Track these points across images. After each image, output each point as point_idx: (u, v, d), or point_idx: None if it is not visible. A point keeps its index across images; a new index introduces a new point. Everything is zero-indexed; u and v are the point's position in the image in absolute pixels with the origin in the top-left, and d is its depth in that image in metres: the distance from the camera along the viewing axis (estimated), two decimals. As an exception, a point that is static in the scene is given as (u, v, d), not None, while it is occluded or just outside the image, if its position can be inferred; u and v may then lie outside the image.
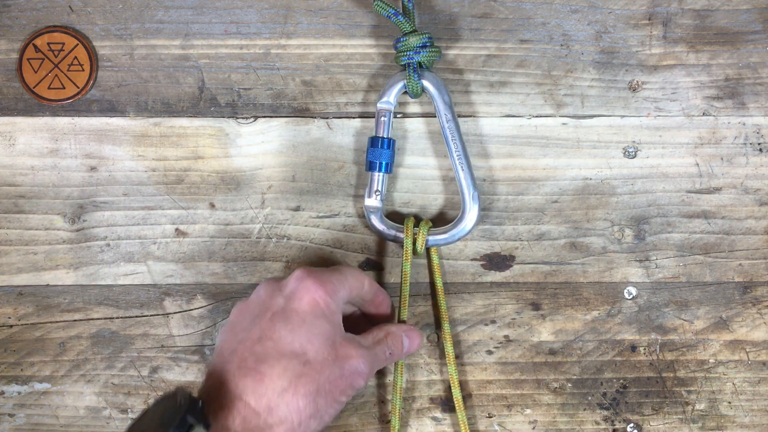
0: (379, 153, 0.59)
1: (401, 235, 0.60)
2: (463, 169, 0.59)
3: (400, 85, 0.59)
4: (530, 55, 0.61)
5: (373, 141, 0.59)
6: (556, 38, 0.61)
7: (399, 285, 0.60)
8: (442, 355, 0.62)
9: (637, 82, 0.61)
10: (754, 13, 0.61)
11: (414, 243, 0.59)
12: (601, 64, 0.61)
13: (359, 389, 0.53)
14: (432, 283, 0.61)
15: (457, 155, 0.59)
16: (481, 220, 0.61)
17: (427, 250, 0.61)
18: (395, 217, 0.62)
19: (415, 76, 0.58)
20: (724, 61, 0.61)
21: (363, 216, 0.62)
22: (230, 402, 0.49)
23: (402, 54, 0.58)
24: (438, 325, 0.61)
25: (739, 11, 0.61)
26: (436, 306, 0.61)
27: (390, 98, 0.59)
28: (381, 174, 0.59)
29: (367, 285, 0.57)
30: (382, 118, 0.59)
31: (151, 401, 0.62)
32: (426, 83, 0.59)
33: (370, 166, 0.59)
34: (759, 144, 0.61)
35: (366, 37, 0.61)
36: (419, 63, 0.58)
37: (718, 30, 0.61)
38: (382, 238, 0.61)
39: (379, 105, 0.59)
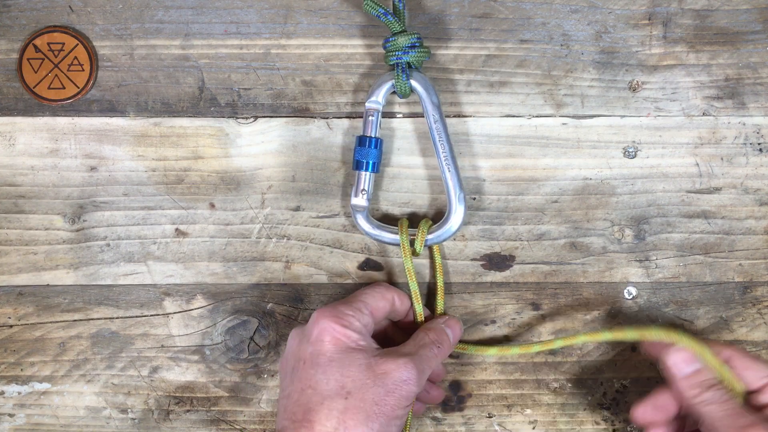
0: (367, 152, 0.59)
1: (388, 235, 0.60)
2: (449, 170, 0.59)
3: (388, 84, 0.59)
4: (530, 55, 0.61)
5: (361, 140, 0.59)
6: (556, 38, 0.61)
7: (407, 284, 0.60)
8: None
9: (637, 82, 0.61)
10: (754, 13, 0.61)
11: (412, 242, 0.59)
12: (601, 64, 0.61)
13: (412, 396, 0.53)
14: (432, 282, 0.61)
15: (444, 156, 0.59)
16: (468, 220, 0.61)
17: (429, 248, 0.61)
18: (389, 217, 0.62)
19: (404, 76, 0.58)
20: (724, 61, 0.61)
21: (363, 216, 0.62)
22: None
23: (391, 54, 0.58)
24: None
25: (739, 11, 0.61)
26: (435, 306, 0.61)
27: (378, 98, 0.59)
28: (368, 173, 0.59)
29: (398, 300, 0.58)
30: (370, 118, 0.59)
31: (151, 401, 0.62)
32: (414, 83, 0.59)
33: (357, 165, 0.59)
34: (759, 144, 0.61)
35: (366, 37, 0.61)
36: (408, 63, 0.58)
37: (718, 30, 0.61)
38: (373, 239, 0.61)
39: (367, 104, 0.59)
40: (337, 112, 0.62)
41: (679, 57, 0.61)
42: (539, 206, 0.62)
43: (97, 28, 0.61)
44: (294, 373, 0.54)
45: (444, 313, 0.60)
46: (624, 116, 0.61)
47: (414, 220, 0.61)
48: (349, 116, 0.62)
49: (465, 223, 0.61)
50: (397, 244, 0.60)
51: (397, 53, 0.58)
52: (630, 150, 0.61)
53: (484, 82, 0.61)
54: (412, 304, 0.59)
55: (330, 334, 0.53)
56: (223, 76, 0.61)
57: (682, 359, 0.54)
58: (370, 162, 0.59)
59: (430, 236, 0.59)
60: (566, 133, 0.61)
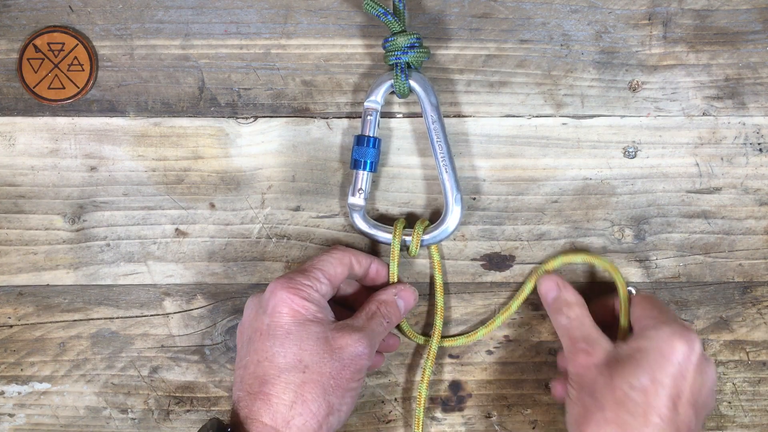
0: (365, 152, 0.59)
1: (383, 235, 0.60)
2: (447, 171, 0.59)
3: (387, 84, 0.59)
4: (530, 55, 0.61)
5: (359, 139, 0.59)
6: (556, 38, 0.61)
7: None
8: (442, 356, 0.62)
9: (637, 82, 0.61)
10: (754, 13, 0.61)
11: (403, 244, 0.60)
12: (601, 64, 0.61)
13: (365, 369, 0.54)
14: (431, 281, 0.61)
15: (442, 157, 0.59)
16: (468, 220, 0.61)
17: (428, 248, 0.61)
18: (387, 217, 0.62)
19: (403, 76, 0.58)
20: (724, 61, 0.61)
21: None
22: (251, 426, 0.51)
23: (390, 54, 0.58)
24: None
25: (739, 11, 0.61)
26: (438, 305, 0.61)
27: (377, 97, 0.59)
28: (365, 172, 0.59)
29: (356, 263, 0.58)
30: (369, 117, 0.59)
31: (151, 401, 0.62)
32: (413, 83, 0.59)
33: (355, 164, 0.59)
34: (759, 144, 0.61)
35: (366, 37, 0.61)
36: (407, 63, 0.58)
37: (718, 30, 0.61)
38: (367, 237, 0.61)
39: (365, 104, 0.59)
40: (337, 112, 0.62)
41: (679, 57, 0.61)
42: (539, 206, 0.62)
43: (97, 28, 0.61)
44: (250, 344, 0.54)
45: (398, 282, 0.60)
46: (624, 116, 0.61)
47: (411, 220, 0.61)
48: (349, 116, 0.62)
49: (462, 223, 0.61)
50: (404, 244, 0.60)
51: (396, 53, 0.58)
52: (630, 150, 0.61)
53: (484, 82, 0.61)
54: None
55: (287, 305, 0.53)
56: (223, 76, 0.61)
57: (549, 287, 0.59)
58: (368, 161, 0.59)
59: (426, 237, 0.60)
60: (566, 133, 0.61)
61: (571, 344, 0.56)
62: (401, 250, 0.60)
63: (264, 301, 0.54)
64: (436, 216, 0.62)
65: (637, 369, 0.52)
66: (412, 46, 0.58)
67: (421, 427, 0.60)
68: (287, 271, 0.60)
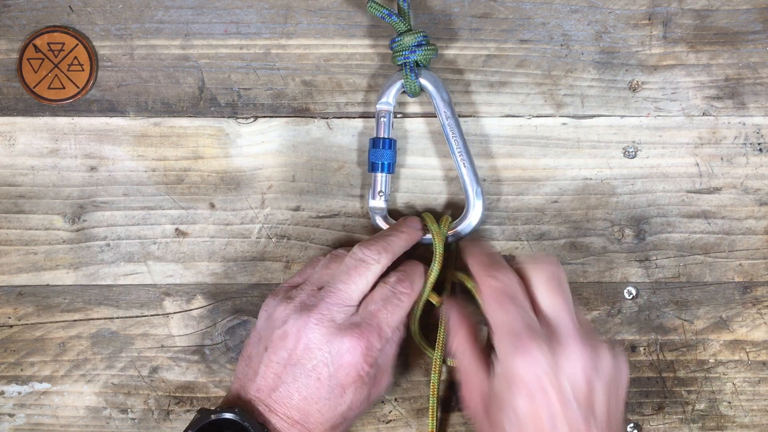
0: (381, 153, 0.59)
1: None
2: (465, 166, 0.59)
3: (398, 84, 0.59)
4: (530, 55, 0.61)
5: (374, 142, 0.59)
6: (556, 38, 0.61)
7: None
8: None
9: (637, 82, 0.61)
10: (754, 13, 0.61)
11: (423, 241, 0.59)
12: (601, 64, 0.61)
13: (372, 360, 0.54)
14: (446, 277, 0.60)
15: (459, 152, 0.59)
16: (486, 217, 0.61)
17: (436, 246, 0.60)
18: (396, 217, 0.62)
19: (412, 75, 0.58)
20: (724, 61, 0.61)
21: (363, 216, 0.62)
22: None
23: (398, 54, 0.58)
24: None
25: (739, 11, 0.61)
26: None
27: (389, 98, 0.59)
28: (384, 174, 0.59)
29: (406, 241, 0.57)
30: (382, 119, 0.59)
31: (151, 401, 0.62)
32: (424, 82, 0.59)
33: (373, 167, 0.59)
34: (759, 144, 0.61)
35: (366, 37, 0.61)
36: (416, 62, 0.58)
37: (718, 30, 0.61)
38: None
39: (378, 106, 0.59)
40: (337, 112, 0.62)
41: (679, 57, 0.61)
42: (539, 206, 0.62)
43: (97, 28, 0.61)
44: (295, 373, 0.53)
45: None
46: (624, 116, 0.61)
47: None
48: (349, 116, 0.62)
49: (484, 218, 0.60)
50: (421, 242, 0.59)
51: (404, 53, 0.58)
52: (630, 150, 0.61)
53: (484, 82, 0.61)
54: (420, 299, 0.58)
55: (356, 370, 0.53)
56: (223, 76, 0.61)
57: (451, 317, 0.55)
58: (385, 163, 0.59)
59: (449, 233, 0.59)
60: (566, 133, 0.61)
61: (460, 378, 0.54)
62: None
63: (335, 345, 0.53)
64: (436, 216, 0.62)
65: (501, 406, 0.48)
66: (419, 45, 0.58)
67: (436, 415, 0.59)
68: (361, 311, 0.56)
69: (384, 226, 0.60)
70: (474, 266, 0.54)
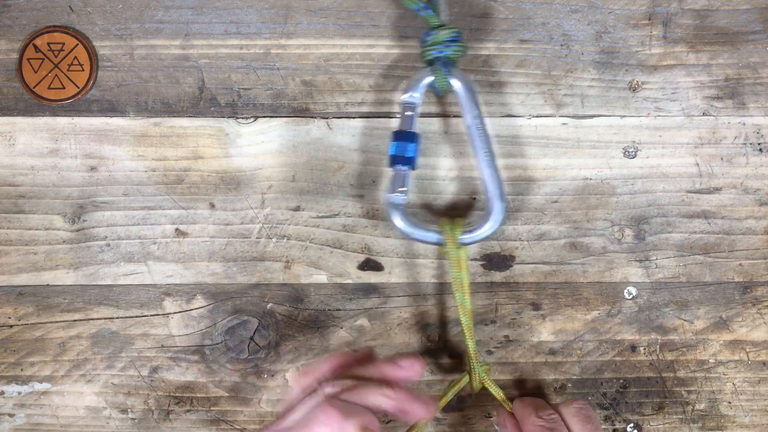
0: (405, 147, 0.57)
1: (425, 234, 0.58)
2: (490, 167, 0.57)
3: (428, 79, 0.58)
4: (530, 55, 0.61)
5: (398, 135, 0.57)
6: (556, 38, 0.61)
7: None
8: (442, 356, 0.62)
9: (637, 82, 0.61)
10: (754, 13, 0.61)
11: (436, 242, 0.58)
12: (601, 64, 0.61)
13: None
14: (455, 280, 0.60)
15: (485, 153, 0.57)
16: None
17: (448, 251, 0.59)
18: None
19: (445, 70, 0.57)
20: (724, 61, 0.61)
21: (363, 216, 0.62)
22: None
23: (431, 48, 0.57)
24: (441, 324, 0.61)
25: (739, 11, 0.61)
26: (439, 305, 0.61)
27: (417, 93, 0.58)
28: (406, 169, 0.57)
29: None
30: (408, 113, 0.58)
31: (151, 401, 0.62)
32: (453, 79, 0.57)
33: (394, 161, 0.57)
34: (759, 144, 0.61)
35: (366, 37, 0.61)
36: (447, 58, 0.57)
37: (718, 30, 0.61)
38: (408, 238, 0.59)
39: (404, 98, 0.58)
40: (337, 112, 0.62)
41: (679, 57, 0.61)
42: (539, 206, 0.62)
43: (97, 28, 0.61)
44: None
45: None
46: (624, 116, 0.61)
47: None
48: (349, 116, 0.62)
49: (504, 223, 0.60)
50: (438, 244, 0.58)
51: (437, 47, 0.57)
52: (630, 150, 0.61)
53: (484, 82, 0.61)
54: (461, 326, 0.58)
55: None
56: (223, 76, 0.61)
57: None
58: (409, 157, 0.57)
59: (466, 237, 0.58)
60: (566, 133, 0.61)
61: None
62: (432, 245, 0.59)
63: None
64: (450, 215, 0.62)
65: None
66: (453, 40, 0.57)
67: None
68: None
69: (402, 224, 0.58)
70: (522, 402, 0.58)
